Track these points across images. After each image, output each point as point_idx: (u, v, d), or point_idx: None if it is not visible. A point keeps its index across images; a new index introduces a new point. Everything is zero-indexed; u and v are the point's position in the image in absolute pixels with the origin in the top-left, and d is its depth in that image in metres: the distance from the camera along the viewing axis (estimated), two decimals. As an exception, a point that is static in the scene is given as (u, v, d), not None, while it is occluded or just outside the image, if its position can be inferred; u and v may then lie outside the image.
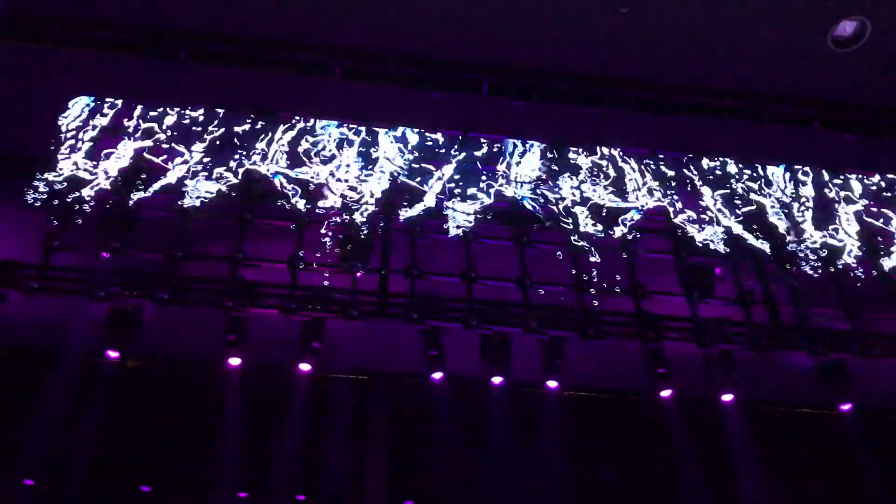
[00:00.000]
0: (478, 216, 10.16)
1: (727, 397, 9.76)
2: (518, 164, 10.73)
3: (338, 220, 9.81)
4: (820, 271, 10.19)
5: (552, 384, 9.93)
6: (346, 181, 10.15)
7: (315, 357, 9.47)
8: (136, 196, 9.65)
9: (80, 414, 9.59)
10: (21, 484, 9.49)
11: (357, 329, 9.50)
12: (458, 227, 10.03)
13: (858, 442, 9.99)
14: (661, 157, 10.93)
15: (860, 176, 11.16)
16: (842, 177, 11.15)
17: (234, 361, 9.39)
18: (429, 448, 10.49)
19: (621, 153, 10.89)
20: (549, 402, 10.48)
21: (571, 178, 10.57)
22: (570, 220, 10.21)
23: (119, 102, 10.35)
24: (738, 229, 10.45)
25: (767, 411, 11.10)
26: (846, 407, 9.72)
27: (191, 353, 10.10)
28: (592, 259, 9.94)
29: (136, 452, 10.07)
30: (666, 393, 9.76)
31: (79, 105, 10.27)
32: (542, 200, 10.39)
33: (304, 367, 9.55)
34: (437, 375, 9.78)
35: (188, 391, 10.43)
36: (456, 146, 10.71)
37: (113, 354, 9.19)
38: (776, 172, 11.07)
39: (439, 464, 10.32)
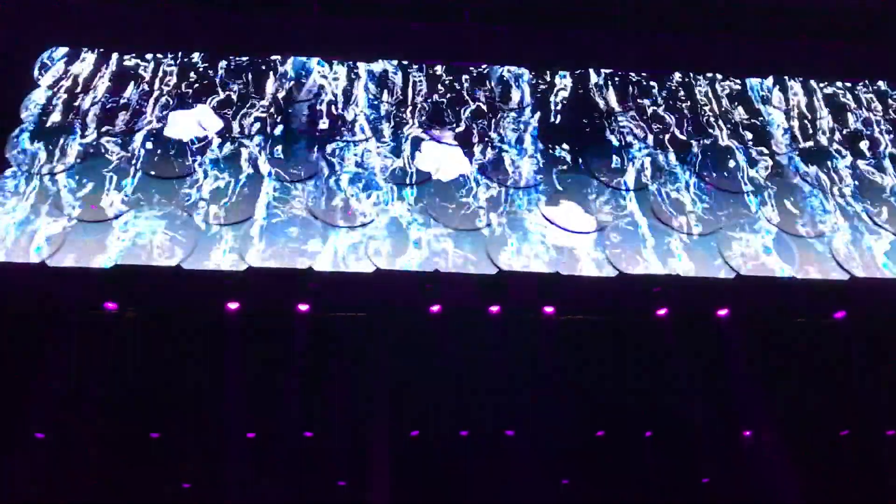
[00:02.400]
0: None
1: (722, 312, 9.86)
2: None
3: None
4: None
5: (549, 310, 10.03)
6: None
7: (313, 297, 9.56)
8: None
9: (83, 367, 9.76)
10: (32, 437, 9.68)
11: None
12: None
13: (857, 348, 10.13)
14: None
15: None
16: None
17: (232, 306, 9.48)
18: (431, 380, 10.63)
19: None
20: (547, 327, 10.65)
21: None
22: None
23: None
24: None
25: (762, 323, 11.22)
26: (840, 315, 9.82)
27: (187, 301, 10.14)
28: None
29: (142, 401, 10.19)
30: (662, 311, 9.85)
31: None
32: None
33: (302, 307, 9.66)
34: (435, 308, 9.88)
35: (188, 338, 10.51)
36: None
37: (111, 307, 9.27)
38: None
39: (442, 394, 10.48)
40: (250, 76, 10.17)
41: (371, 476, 9.97)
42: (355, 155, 9.61)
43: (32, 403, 9.61)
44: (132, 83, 9.95)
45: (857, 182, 10.01)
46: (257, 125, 9.72)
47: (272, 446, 10.05)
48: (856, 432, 10.93)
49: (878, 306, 10.45)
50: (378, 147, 9.72)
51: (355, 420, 10.31)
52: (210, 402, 10.07)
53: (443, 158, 9.70)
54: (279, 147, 9.60)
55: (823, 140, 10.41)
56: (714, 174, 9.84)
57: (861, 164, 10.23)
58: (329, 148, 9.67)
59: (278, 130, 9.77)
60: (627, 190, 9.53)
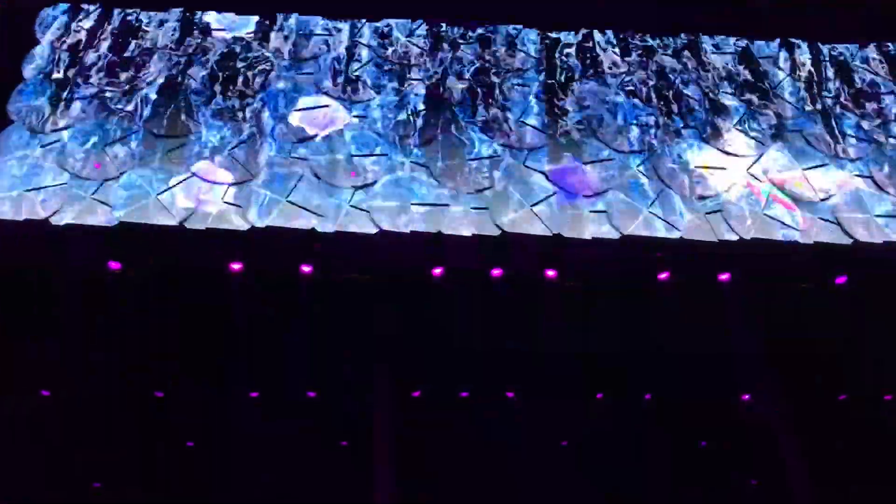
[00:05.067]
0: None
1: (724, 276, 9.86)
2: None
3: None
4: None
5: (550, 273, 10.04)
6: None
7: (316, 259, 9.57)
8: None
9: (88, 325, 9.81)
10: (38, 395, 9.78)
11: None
12: None
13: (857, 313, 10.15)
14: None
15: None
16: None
17: (236, 266, 9.48)
18: (433, 342, 10.70)
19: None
20: (548, 291, 10.68)
21: None
22: None
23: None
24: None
25: (763, 287, 11.26)
26: (841, 279, 9.82)
27: (191, 261, 10.17)
28: None
29: (147, 360, 10.27)
30: (663, 276, 9.85)
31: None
32: None
33: (306, 268, 9.67)
34: (437, 270, 9.89)
35: (192, 298, 10.55)
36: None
37: (114, 266, 9.28)
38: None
39: (444, 356, 10.55)
40: (254, 33, 10.07)
41: (373, 436, 10.07)
42: (359, 113, 9.56)
43: (37, 361, 9.69)
44: (134, 39, 9.85)
45: (862, 144, 9.95)
46: (260, 81, 9.64)
47: (275, 406, 10.16)
48: (854, 397, 11.03)
49: (880, 271, 10.46)
50: (382, 106, 9.66)
51: (358, 381, 10.40)
52: (214, 362, 10.15)
53: (447, 118, 9.64)
54: (282, 105, 9.53)
55: (829, 101, 10.33)
56: (719, 136, 9.77)
57: (866, 125, 10.16)
58: (332, 106, 9.61)
59: (281, 86, 9.69)
60: (632, 152, 9.48)
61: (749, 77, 10.49)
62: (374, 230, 8.97)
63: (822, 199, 9.46)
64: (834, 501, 10.20)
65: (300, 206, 8.86)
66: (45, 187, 8.60)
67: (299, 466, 10.08)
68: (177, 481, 9.94)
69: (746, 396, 11.00)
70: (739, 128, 9.85)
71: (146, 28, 9.96)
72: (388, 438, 9.98)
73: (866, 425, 10.85)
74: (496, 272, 9.87)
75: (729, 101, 10.13)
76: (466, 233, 9.08)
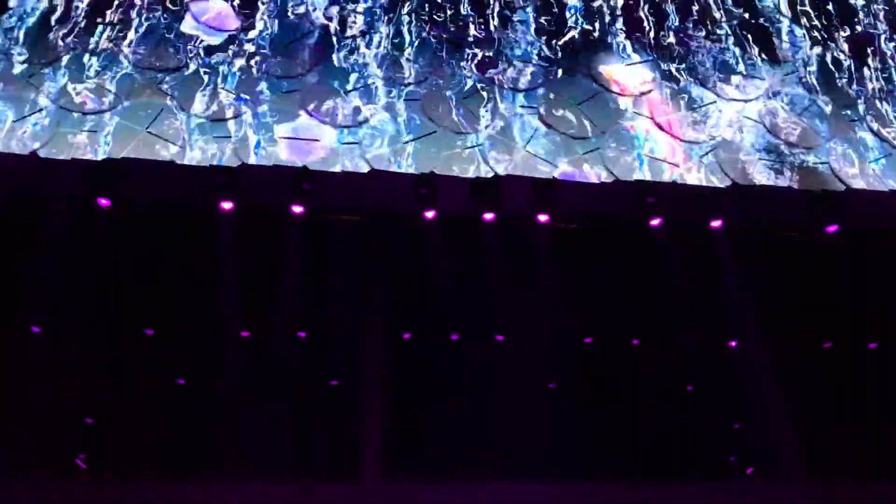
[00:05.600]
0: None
1: (716, 223, 9.89)
2: None
3: None
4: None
5: (543, 218, 10.03)
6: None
7: (307, 198, 9.52)
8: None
9: (78, 262, 9.76)
10: (28, 331, 9.75)
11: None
12: None
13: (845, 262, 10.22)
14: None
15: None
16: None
17: (226, 205, 9.44)
18: (424, 284, 10.71)
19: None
20: (540, 236, 10.68)
21: None
22: None
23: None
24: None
25: (754, 235, 11.28)
26: (832, 228, 9.86)
27: (181, 198, 10.09)
28: None
29: (138, 297, 10.25)
30: (655, 221, 9.87)
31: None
32: None
33: (297, 208, 9.63)
34: (430, 214, 9.86)
35: (183, 236, 10.50)
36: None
37: (103, 202, 9.21)
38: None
39: (435, 299, 10.57)
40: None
41: (363, 376, 10.14)
42: (352, 54, 9.41)
43: (28, 297, 9.65)
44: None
45: (859, 91, 9.90)
46: (253, 20, 9.46)
47: (266, 345, 10.17)
48: (839, 345, 11.15)
49: (871, 220, 10.51)
50: (375, 47, 9.51)
51: (348, 321, 10.43)
52: (204, 300, 10.14)
53: (442, 59, 9.52)
54: (275, 43, 9.37)
55: (829, 48, 10.25)
56: (718, 80, 9.69)
57: (865, 72, 10.11)
58: (326, 46, 9.46)
59: (275, 27, 9.53)
60: (628, 95, 9.40)
61: (750, 20, 10.39)
62: (365, 169, 8.91)
63: (817, 146, 9.46)
64: (817, 448, 10.37)
65: (291, 146, 8.76)
66: (31, 117, 8.46)
67: (289, 405, 10.13)
68: (168, 418, 9.98)
69: (733, 343, 11.11)
70: (740, 72, 9.78)
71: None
72: (378, 379, 10.07)
73: (850, 373, 10.99)
74: (488, 216, 9.86)
75: (729, 45, 10.03)
76: (459, 174, 9.01)
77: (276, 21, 9.66)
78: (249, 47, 9.43)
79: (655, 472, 10.03)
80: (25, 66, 8.88)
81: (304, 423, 9.92)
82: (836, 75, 10.30)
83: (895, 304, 11.21)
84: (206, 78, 9.00)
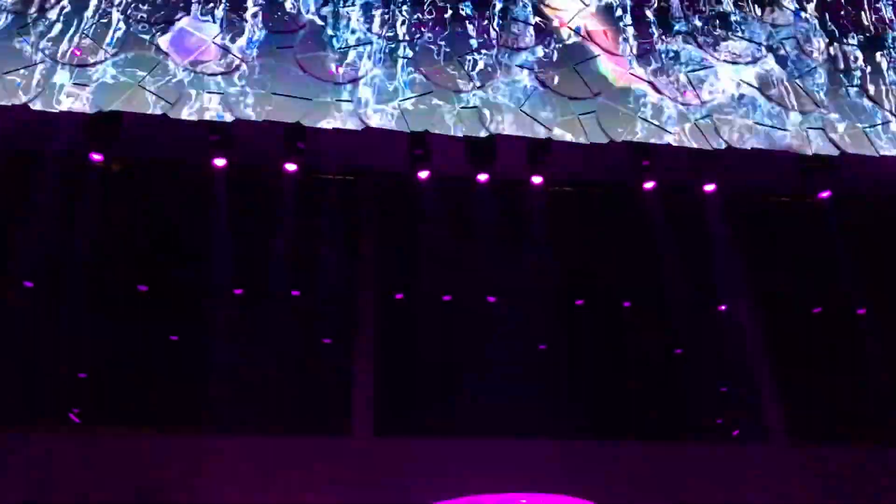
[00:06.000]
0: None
1: (709, 187, 9.90)
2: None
3: None
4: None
5: (537, 180, 10.03)
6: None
7: (301, 157, 9.49)
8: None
9: (71, 218, 9.74)
10: (21, 286, 9.75)
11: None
12: None
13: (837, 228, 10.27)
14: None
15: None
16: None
17: (219, 162, 9.40)
18: (416, 245, 10.73)
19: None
20: (534, 198, 10.70)
21: None
22: None
23: None
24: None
25: (746, 200, 11.32)
26: (825, 194, 9.89)
27: (175, 156, 10.05)
28: None
29: (130, 254, 10.25)
30: (649, 185, 9.88)
31: None
32: None
33: (290, 166, 9.60)
34: (423, 174, 9.85)
35: (176, 194, 10.47)
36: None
37: (97, 157, 9.16)
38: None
39: (427, 258, 10.60)
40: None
41: (356, 335, 10.20)
42: (348, 9, 9.30)
43: (19, 252, 9.64)
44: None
45: (858, 57, 9.86)
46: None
47: (259, 303, 10.21)
48: (828, 310, 11.26)
49: (864, 186, 10.55)
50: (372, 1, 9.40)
51: (341, 280, 10.47)
52: (197, 257, 10.16)
53: (438, 17, 9.41)
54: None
55: (828, 14, 10.17)
56: (717, 43, 9.62)
57: (863, 36, 10.05)
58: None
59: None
60: (626, 56, 9.33)
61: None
62: (360, 126, 8.86)
63: (813, 111, 9.42)
64: (803, 413, 10.51)
65: (285, 102, 8.68)
66: (23, 70, 8.35)
67: (281, 363, 10.19)
68: (160, 374, 10.04)
69: (723, 307, 11.20)
70: (737, 34, 9.68)
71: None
72: (369, 337, 10.14)
73: (837, 338, 11.10)
74: (482, 177, 9.85)
75: (728, 7, 9.93)
76: (454, 133, 8.97)
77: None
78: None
79: (643, 433, 10.17)
80: (16, 16, 8.73)
81: (295, 380, 9.98)
82: (835, 38, 10.23)
83: (885, 270, 11.34)
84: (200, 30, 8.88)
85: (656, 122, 9.05)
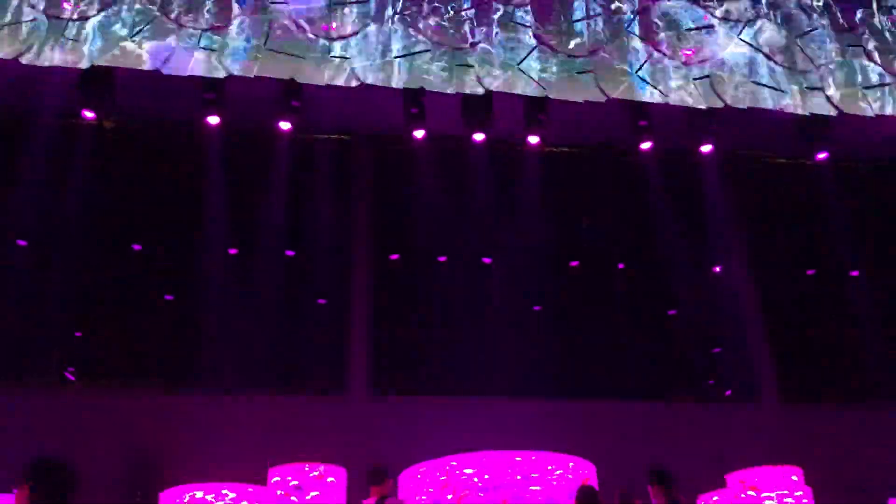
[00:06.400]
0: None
1: (706, 148, 9.86)
2: None
3: None
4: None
5: (533, 140, 9.97)
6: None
7: (295, 115, 9.40)
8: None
9: (64, 176, 9.67)
10: (15, 245, 9.70)
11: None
12: None
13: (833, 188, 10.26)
14: None
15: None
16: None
17: (213, 120, 9.31)
18: (411, 205, 10.69)
19: None
20: (530, 158, 10.65)
21: None
22: None
23: None
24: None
25: (745, 162, 11.29)
26: (822, 156, 9.86)
27: (168, 114, 9.94)
28: None
29: (124, 213, 10.19)
30: (646, 145, 9.83)
31: None
32: None
33: (285, 125, 9.51)
34: (419, 133, 9.77)
35: (170, 152, 10.38)
36: None
37: (89, 115, 9.06)
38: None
39: (422, 219, 10.58)
40: None
41: (351, 296, 10.21)
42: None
43: (12, 210, 9.58)
44: None
45: (857, 17, 9.75)
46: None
47: (254, 263, 10.19)
48: (822, 272, 11.31)
49: (861, 147, 10.53)
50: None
51: (337, 241, 10.45)
52: (191, 216, 10.11)
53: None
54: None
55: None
56: (717, 3, 9.49)
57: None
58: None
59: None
60: (626, 13, 9.19)
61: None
62: (354, 83, 8.77)
63: (813, 71, 9.33)
64: (794, 372, 10.61)
65: (279, 58, 8.56)
66: (14, 24, 8.21)
67: (277, 323, 10.20)
68: (157, 333, 10.05)
69: (717, 268, 11.24)
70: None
71: None
72: (365, 298, 10.14)
73: (831, 300, 11.17)
74: (478, 136, 9.78)
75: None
76: (450, 91, 8.88)
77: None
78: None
79: (636, 393, 10.24)
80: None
81: (292, 340, 10.00)
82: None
83: (880, 233, 11.37)
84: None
85: (653, 82, 8.95)
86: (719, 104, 9.07)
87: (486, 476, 6.58)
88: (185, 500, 6.87)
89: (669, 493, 5.42)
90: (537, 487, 6.53)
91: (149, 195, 10.16)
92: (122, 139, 10.20)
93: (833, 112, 9.28)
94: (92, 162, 9.82)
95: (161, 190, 10.20)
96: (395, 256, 10.81)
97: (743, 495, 6.69)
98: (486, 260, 10.95)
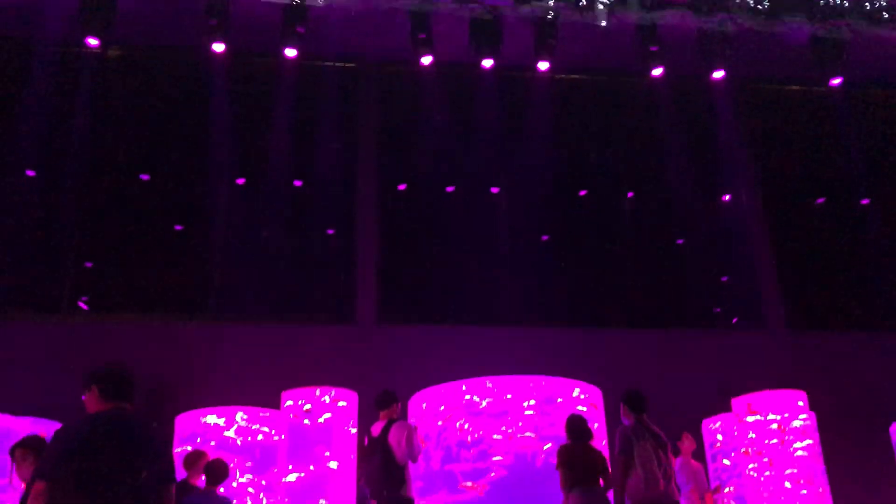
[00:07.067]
0: None
1: (718, 74, 9.70)
2: None
3: None
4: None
5: (543, 66, 9.80)
6: None
7: (300, 42, 9.25)
8: None
9: (71, 106, 9.61)
10: (24, 176, 9.71)
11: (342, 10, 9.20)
12: None
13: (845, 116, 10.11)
14: None
15: None
16: None
17: (218, 48, 9.17)
18: (419, 134, 10.61)
19: None
20: (539, 85, 10.50)
21: None
22: None
23: None
24: None
25: (755, 89, 11.11)
26: (836, 81, 9.68)
27: (172, 41, 9.81)
28: None
29: (132, 142, 10.15)
30: (657, 72, 9.67)
31: None
32: None
33: (290, 52, 9.37)
34: (426, 60, 9.61)
35: (176, 81, 10.28)
36: None
37: (93, 42, 8.94)
38: None
39: (429, 149, 10.51)
40: None
41: (359, 226, 10.21)
42: None
43: (20, 142, 9.56)
44: None
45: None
46: None
47: (262, 193, 10.18)
48: (831, 200, 11.25)
49: (875, 71, 10.33)
50: None
51: (344, 171, 10.41)
52: (198, 146, 10.07)
53: None
54: None
55: None
56: None
57: None
58: None
59: None
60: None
61: None
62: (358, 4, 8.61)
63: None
64: (802, 299, 10.64)
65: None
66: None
67: (286, 253, 10.25)
68: (168, 263, 10.11)
69: (726, 196, 11.18)
70: None
71: None
72: (373, 228, 10.15)
73: (839, 228, 11.13)
74: (487, 62, 9.63)
75: None
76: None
77: None
78: None
79: (643, 320, 10.32)
80: None
81: (301, 270, 10.05)
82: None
83: (892, 160, 11.26)
84: None
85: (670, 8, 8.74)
86: (732, 28, 8.85)
87: (492, 400, 6.68)
88: (200, 424, 7.02)
89: (638, 414, 5.57)
90: (531, 413, 6.59)
91: (155, 125, 10.10)
92: (126, 68, 10.10)
93: (849, 35, 9.08)
94: (98, 91, 9.75)
95: (168, 119, 10.14)
96: (402, 186, 10.77)
97: (749, 419, 6.80)
98: (494, 189, 10.92)
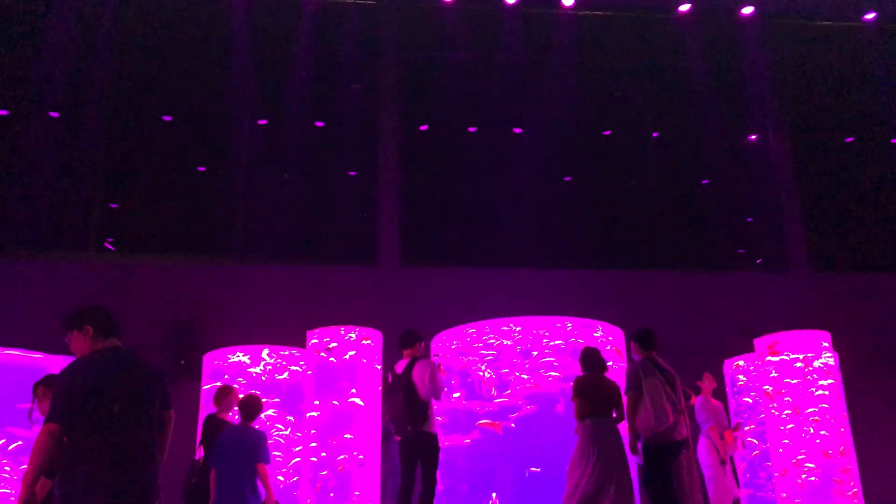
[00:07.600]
0: None
1: (747, 10, 9.44)
2: None
3: None
4: None
5: (568, 1, 9.60)
6: None
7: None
8: None
9: (93, 48, 9.59)
10: (48, 117, 9.74)
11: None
12: None
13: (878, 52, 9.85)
14: None
15: None
16: None
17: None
18: (440, 73, 10.48)
19: None
20: (563, 21, 10.29)
21: None
22: None
23: None
24: None
25: (785, 25, 10.80)
26: (870, 16, 9.40)
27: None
28: None
29: (154, 84, 10.12)
30: (684, 7, 9.43)
31: None
32: None
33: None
34: (449, -3, 9.45)
35: (196, 21, 10.18)
36: None
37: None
38: None
39: (451, 88, 10.38)
40: None
41: (381, 167, 10.17)
42: None
43: (43, 83, 9.57)
44: None
45: None
46: None
47: (284, 134, 10.16)
48: (860, 139, 11.02)
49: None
50: None
51: (365, 112, 10.33)
52: (220, 87, 10.03)
53: None
54: None
55: None
56: None
57: None
58: None
59: None
60: None
61: None
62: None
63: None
64: (827, 241, 10.53)
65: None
66: None
67: (308, 193, 10.25)
68: (191, 205, 10.16)
69: (753, 136, 10.99)
70: None
71: None
72: (395, 169, 10.11)
73: (867, 168, 10.93)
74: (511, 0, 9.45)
75: None
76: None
77: None
78: None
79: (667, 261, 10.28)
80: None
81: (324, 211, 10.07)
82: None
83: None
84: None
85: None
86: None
87: (513, 341, 6.70)
88: (228, 362, 7.13)
89: (648, 351, 5.63)
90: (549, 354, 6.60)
91: (177, 66, 10.05)
92: (148, 8, 10.01)
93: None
94: (120, 32, 9.71)
95: (190, 60, 10.08)
96: (424, 127, 10.68)
97: (774, 358, 6.79)
98: (517, 129, 10.80)
